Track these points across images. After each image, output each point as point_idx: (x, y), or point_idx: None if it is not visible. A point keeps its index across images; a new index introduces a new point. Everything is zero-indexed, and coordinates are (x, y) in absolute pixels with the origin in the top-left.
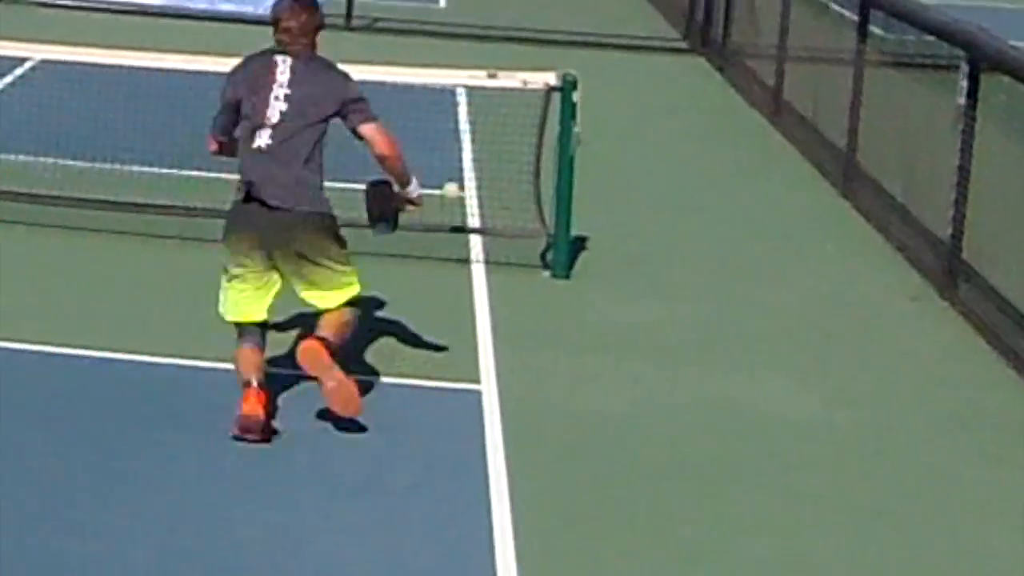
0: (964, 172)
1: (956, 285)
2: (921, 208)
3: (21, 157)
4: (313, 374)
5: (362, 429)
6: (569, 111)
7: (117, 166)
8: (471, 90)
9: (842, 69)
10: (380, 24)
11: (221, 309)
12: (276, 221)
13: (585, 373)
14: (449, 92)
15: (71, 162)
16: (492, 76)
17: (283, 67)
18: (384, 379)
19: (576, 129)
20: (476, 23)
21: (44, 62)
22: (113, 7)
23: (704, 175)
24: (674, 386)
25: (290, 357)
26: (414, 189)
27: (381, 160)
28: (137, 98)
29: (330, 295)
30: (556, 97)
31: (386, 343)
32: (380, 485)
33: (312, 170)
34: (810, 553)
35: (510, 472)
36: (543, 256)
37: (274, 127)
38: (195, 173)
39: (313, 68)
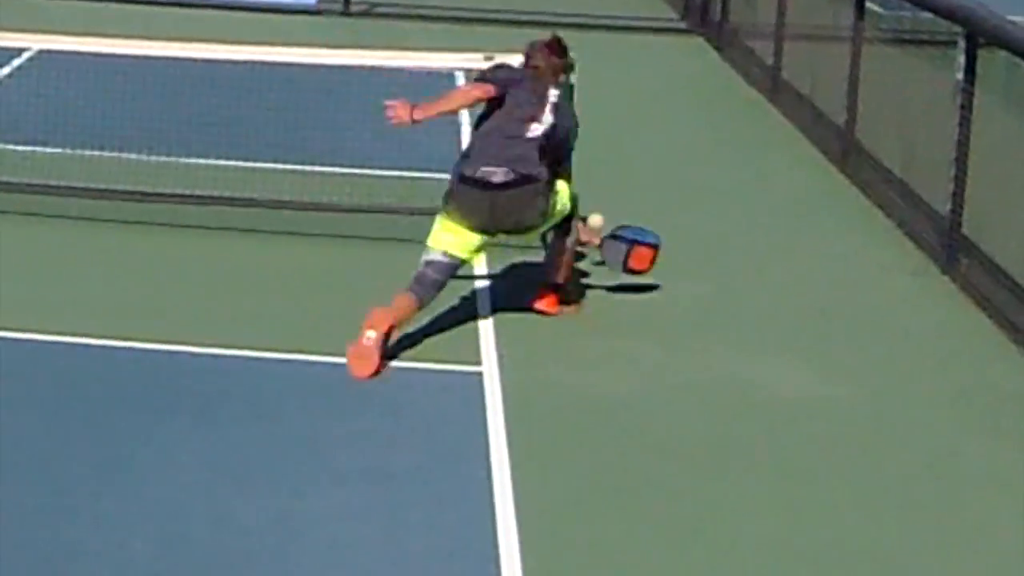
0: (963, 147)
1: (956, 260)
2: (921, 184)
3: (20, 147)
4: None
5: (363, 413)
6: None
7: (116, 155)
8: (468, 73)
9: (840, 47)
10: (378, 10)
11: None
12: (497, 198)
13: (587, 354)
14: (447, 76)
15: (70, 151)
16: (489, 59)
17: (552, 96)
18: (385, 362)
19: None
20: (473, 7)
21: (43, 52)
22: None
23: (703, 154)
24: (675, 366)
25: (293, 340)
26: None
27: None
28: (136, 87)
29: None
30: None
31: None
32: (382, 469)
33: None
34: (813, 531)
35: (512, 454)
36: (543, 237)
37: (536, 131)
38: (195, 161)
39: (563, 105)
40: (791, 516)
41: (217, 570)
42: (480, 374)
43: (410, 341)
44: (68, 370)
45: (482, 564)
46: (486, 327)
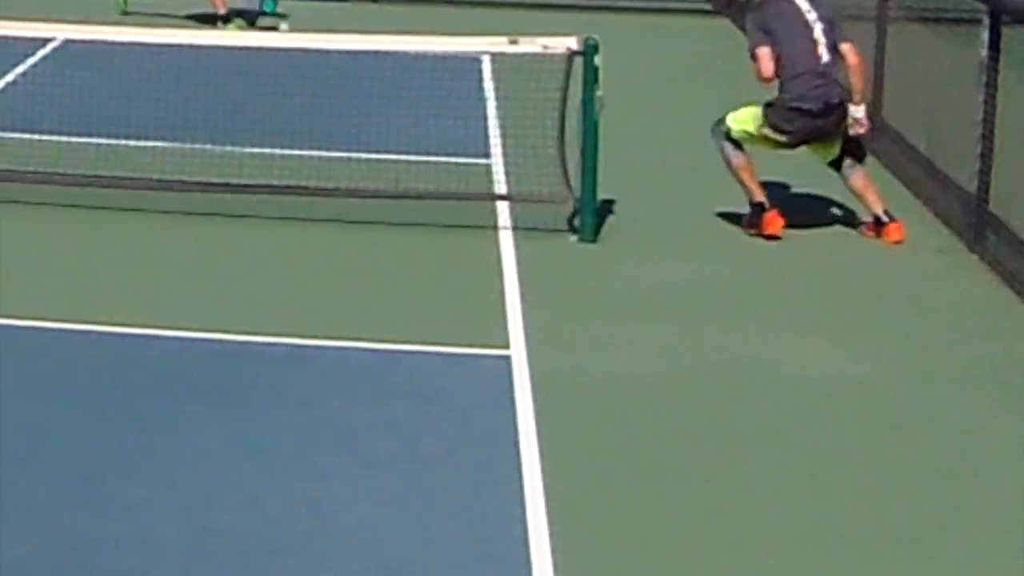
0: (988, 124)
1: (983, 237)
2: (946, 161)
3: (46, 136)
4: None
5: (391, 397)
6: (592, 76)
7: (140, 143)
8: (493, 56)
9: (865, 25)
10: None
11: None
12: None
13: (614, 337)
14: (473, 60)
15: (95, 140)
16: (513, 42)
17: (804, 4)
18: (414, 347)
19: (599, 93)
20: None
21: (68, 42)
22: None
23: None
24: (702, 348)
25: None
26: (861, 111)
27: (852, 69)
28: (163, 76)
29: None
30: (578, 62)
31: (415, 311)
32: (410, 454)
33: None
34: (840, 511)
35: (540, 437)
36: (570, 221)
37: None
38: (222, 148)
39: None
40: (820, 496)
41: (247, 556)
42: (508, 358)
43: (438, 325)
44: (98, 358)
45: (512, 548)
46: (513, 311)
